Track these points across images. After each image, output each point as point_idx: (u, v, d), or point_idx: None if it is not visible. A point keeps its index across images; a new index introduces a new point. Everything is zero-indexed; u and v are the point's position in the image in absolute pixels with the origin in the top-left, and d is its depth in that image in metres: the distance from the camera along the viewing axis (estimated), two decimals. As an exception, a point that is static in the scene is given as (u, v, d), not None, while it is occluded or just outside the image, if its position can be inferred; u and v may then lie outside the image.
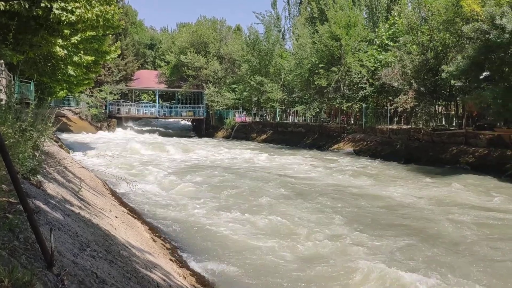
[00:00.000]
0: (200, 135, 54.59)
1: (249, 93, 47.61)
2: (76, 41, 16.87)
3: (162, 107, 58.90)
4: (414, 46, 28.30)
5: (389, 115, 32.65)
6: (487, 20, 20.12)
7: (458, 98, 26.64)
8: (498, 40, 19.43)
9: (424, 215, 12.33)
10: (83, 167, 13.22)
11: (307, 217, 11.72)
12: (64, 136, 38.44)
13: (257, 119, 51.94)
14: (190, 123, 66.91)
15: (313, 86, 36.52)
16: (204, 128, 56.76)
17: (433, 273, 7.80)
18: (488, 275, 7.89)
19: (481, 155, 22.70)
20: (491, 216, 12.19)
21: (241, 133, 48.63)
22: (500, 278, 7.82)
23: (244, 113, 53.85)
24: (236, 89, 51.38)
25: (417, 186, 17.41)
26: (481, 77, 22.60)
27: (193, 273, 7.35)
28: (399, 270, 7.69)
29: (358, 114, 36.41)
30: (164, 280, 5.17)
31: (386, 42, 34.47)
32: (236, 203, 13.47)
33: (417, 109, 27.78)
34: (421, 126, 28.04)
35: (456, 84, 24.25)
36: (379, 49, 34.82)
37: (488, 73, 22.18)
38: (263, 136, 45.37)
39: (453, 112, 30.83)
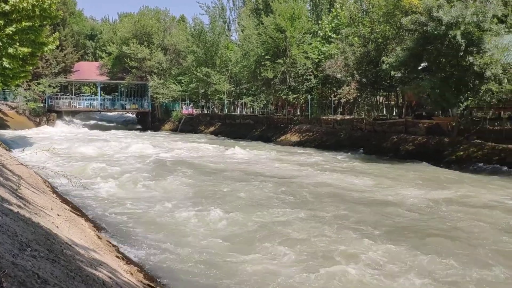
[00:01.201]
0: (145, 128, 53.39)
1: (195, 85, 47.06)
2: (11, 32, 15.87)
3: (104, 100, 56.92)
4: (356, 38, 29.07)
5: (333, 106, 33.45)
6: (425, 12, 21.01)
7: (398, 89, 27.73)
8: (435, 32, 20.34)
9: (366, 199, 12.83)
10: (22, 164, 12.57)
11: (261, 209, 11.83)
12: (1, 132, 36.38)
13: (205, 111, 51.54)
14: (135, 116, 65.29)
15: (260, 77, 36.68)
16: (149, 121, 55.58)
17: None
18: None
19: (420, 143, 23.77)
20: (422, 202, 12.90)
21: (189, 126, 48.07)
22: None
23: (191, 105, 53.22)
24: (182, 80, 50.62)
25: (358, 174, 18.05)
26: (420, 68, 23.61)
27: (141, 269, 7.22)
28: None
29: (304, 105, 37.02)
30: (110, 277, 5.02)
31: (329, 34, 35.18)
32: (187, 197, 13.34)
33: (359, 100, 28.67)
34: (363, 116, 28.97)
35: (396, 75, 25.18)
36: (322, 41, 35.49)
37: (426, 64, 23.18)
38: (211, 129, 45.11)
39: (393, 102, 32.06)
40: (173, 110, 52.50)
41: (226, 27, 56.30)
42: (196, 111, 51.93)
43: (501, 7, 20.86)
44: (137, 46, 52.93)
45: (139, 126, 58.07)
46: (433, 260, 8.01)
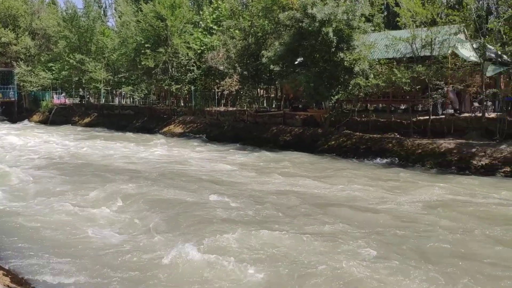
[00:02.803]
0: (12, 120, 48.30)
1: (68, 73, 43.65)
2: None
3: (-40, 88, 50.27)
4: (237, 31, 29.40)
5: (216, 97, 33.58)
6: (300, 9, 21.98)
7: (277, 82, 28.74)
8: (310, 28, 21.41)
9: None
10: None
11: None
12: None
13: (79, 101, 48.19)
14: (-2, 106, 58.67)
15: (140, 66, 35.31)
16: (16, 111, 50.44)
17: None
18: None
19: (297, 133, 24.96)
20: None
21: (61, 117, 44.45)
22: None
23: (64, 94, 49.32)
24: (53, 68, 46.65)
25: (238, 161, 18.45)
26: (296, 62, 24.68)
27: (8, 273, 6.84)
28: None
29: (187, 96, 36.58)
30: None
31: (211, 25, 35.14)
32: (61, 193, 12.39)
33: (241, 92, 29.13)
34: (245, 108, 29.52)
35: (275, 69, 25.97)
36: (204, 32, 35.32)
37: (302, 59, 24.31)
38: (87, 120, 42.31)
39: (273, 95, 33.20)
40: (43, 100, 48.21)
41: (102, 12, 53.20)
42: (69, 101, 48.28)
43: (368, 7, 22.69)
44: (0, 29, 47.66)
45: (4, 118, 52.32)
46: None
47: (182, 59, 34.01)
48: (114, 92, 45.10)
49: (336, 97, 22.37)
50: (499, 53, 20.79)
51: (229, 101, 33.99)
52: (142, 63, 34.05)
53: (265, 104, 33.25)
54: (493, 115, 19.56)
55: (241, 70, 28.45)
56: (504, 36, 20.00)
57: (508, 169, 16.08)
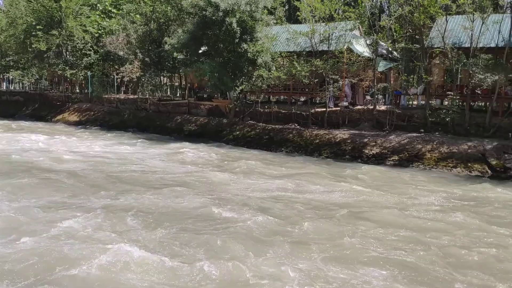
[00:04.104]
0: None
1: None
2: None
3: None
4: (138, 16, 28.30)
5: (116, 84, 32.07)
6: (204, -3, 21.64)
7: (181, 70, 28.22)
8: (214, 17, 21.22)
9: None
10: None
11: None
12: None
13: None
14: None
15: (30, 49, 32.57)
16: None
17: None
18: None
19: (202, 123, 24.80)
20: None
21: None
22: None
23: None
24: None
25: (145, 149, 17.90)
26: (200, 51, 24.37)
27: None
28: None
29: (83, 82, 34.46)
30: None
31: (110, 8, 33.40)
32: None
33: (143, 79, 28.11)
34: (148, 96, 28.59)
35: (178, 57, 25.48)
36: (102, 16, 33.48)
37: (206, 48, 24.06)
38: (-32, 107, 38.14)
39: (177, 84, 32.54)
40: None
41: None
42: None
43: (271, 0, 23.03)
44: None
45: None
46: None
47: (77, 43, 31.90)
48: (1, 76, 41.10)
49: (241, 87, 22.55)
50: (390, 49, 22.38)
51: (129, 88, 32.67)
52: (33, 46, 31.41)
53: (168, 93, 32.49)
54: (383, 107, 21.03)
55: (142, 57, 27.47)
56: (394, 33, 21.57)
57: (396, 157, 17.43)
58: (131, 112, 28.05)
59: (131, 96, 30.57)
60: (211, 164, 16.69)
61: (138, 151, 19.26)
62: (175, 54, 25.00)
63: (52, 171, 14.26)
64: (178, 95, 30.91)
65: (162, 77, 31.14)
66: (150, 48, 27.40)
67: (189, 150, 19.19)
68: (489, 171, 15.60)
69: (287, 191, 12.47)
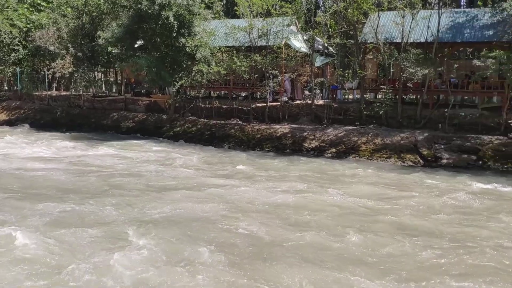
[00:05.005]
0: None
1: None
2: None
3: None
4: (69, 9, 27.04)
5: (47, 80, 30.44)
6: (139, -10, 21.02)
7: (116, 65, 27.30)
8: (149, 11, 20.68)
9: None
10: None
11: None
12: None
13: None
14: None
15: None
16: None
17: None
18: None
19: (140, 120, 24.15)
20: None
21: None
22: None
23: None
24: None
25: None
26: (136, 45, 23.67)
27: None
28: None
29: (12, 79, 32.43)
30: None
31: (38, 1, 31.63)
32: None
33: (76, 75, 26.87)
34: (81, 92, 27.40)
35: (113, 51, 24.60)
36: (31, 9, 31.64)
37: (143, 42, 23.42)
38: None
39: (112, 79, 31.46)
40: None
41: None
42: None
43: (208, -7, 22.83)
44: None
45: None
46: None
47: (4, 38, 29.85)
48: None
49: (180, 82, 22.18)
50: (326, 45, 22.92)
51: (61, 84, 31.15)
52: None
53: (103, 89, 31.35)
54: (321, 102, 21.54)
55: (74, 51, 26.24)
56: (330, 29, 22.11)
57: (334, 150, 17.93)
58: (63, 110, 26.76)
59: (64, 93, 29.17)
60: (148, 161, 16.32)
61: (68, 151, 18.41)
62: (109, 48, 24.10)
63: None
64: (114, 90, 29.89)
65: (96, 73, 29.93)
66: (82, 42, 26.25)
67: (122, 149, 18.69)
68: (421, 161, 16.45)
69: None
